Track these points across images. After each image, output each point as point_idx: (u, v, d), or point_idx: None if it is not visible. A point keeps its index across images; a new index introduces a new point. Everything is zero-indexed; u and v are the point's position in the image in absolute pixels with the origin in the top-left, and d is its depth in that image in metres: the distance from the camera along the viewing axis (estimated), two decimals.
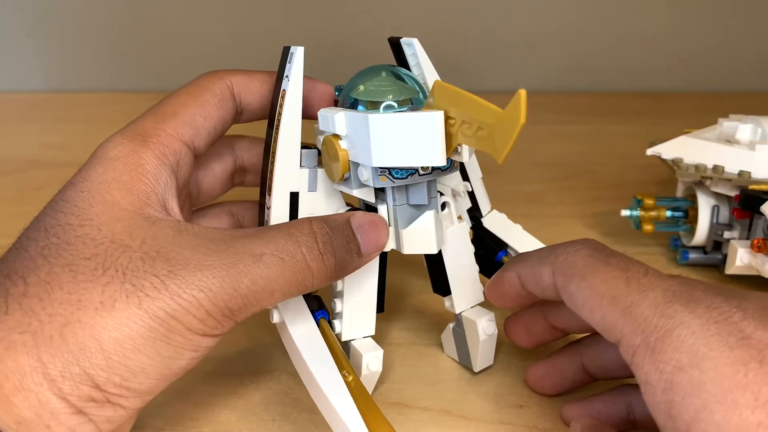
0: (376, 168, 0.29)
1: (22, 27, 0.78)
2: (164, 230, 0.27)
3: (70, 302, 0.24)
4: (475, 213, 0.37)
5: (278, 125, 0.31)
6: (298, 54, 0.31)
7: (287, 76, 0.31)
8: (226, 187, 0.37)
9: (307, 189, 0.32)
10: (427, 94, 0.31)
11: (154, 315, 0.25)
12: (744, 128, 0.44)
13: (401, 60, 0.33)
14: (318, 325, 0.31)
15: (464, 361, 0.36)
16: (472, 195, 0.37)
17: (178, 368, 0.26)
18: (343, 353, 0.30)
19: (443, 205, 0.33)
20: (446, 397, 0.34)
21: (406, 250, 0.31)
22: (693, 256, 0.45)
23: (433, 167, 0.30)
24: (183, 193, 0.32)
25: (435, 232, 0.31)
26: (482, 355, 0.35)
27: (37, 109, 0.75)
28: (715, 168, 0.42)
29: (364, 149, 0.28)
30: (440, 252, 0.33)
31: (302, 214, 0.32)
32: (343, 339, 0.32)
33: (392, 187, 0.30)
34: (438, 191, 0.32)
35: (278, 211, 0.32)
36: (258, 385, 0.35)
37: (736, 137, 0.44)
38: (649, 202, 0.45)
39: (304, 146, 0.32)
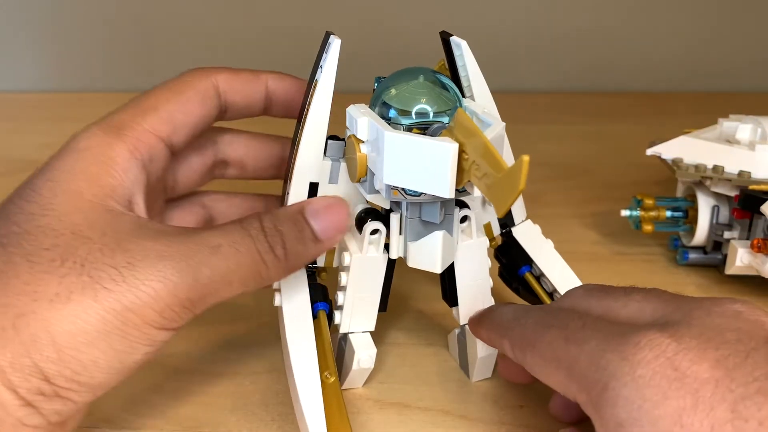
0: None
1: (21, 27, 0.78)
2: (125, 224, 0.27)
3: (26, 293, 0.24)
4: (506, 221, 0.36)
5: (307, 114, 0.30)
6: (334, 46, 0.30)
7: (321, 67, 0.30)
8: (205, 180, 0.36)
9: (328, 181, 0.32)
10: (465, 105, 0.30)
11: (110, 308, 0.24)
12: (744, 128, 0.44)
13: (450, 56, 0.33)
14: (316, 317, 0.31)
15: (464, 368, 0.36)
16: None
17: (133, 362, 0.26)
18: (331, 353, 0.30)
19: (464, 218, 0.32)
20: (446, 397, 0.34)
21: (411, 263, 0.31)
22: (693, 256, 0.45)
23: None
24: (156, 189, 0.32)
25: (441, 253, 0.30)
26: (479, 368, 0.35)
27: (36, 109, 0.75)
28: (715, 168, 0.42)
29: (379, 162, 0.28)
30: (452, 264, 0.33)
31: None
32: (341, 331, 0.32)
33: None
34: (462, 202, 0.32)
35: (296, 200, 0.31)
36: (258, 385, 0.35)
37: (736, 137, 0.44)
38: (649, 202, 0.45)
39: (333, 137, 0.31)
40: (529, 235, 0.36)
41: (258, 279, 0.28)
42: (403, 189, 0.28)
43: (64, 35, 0.79)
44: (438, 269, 0.31)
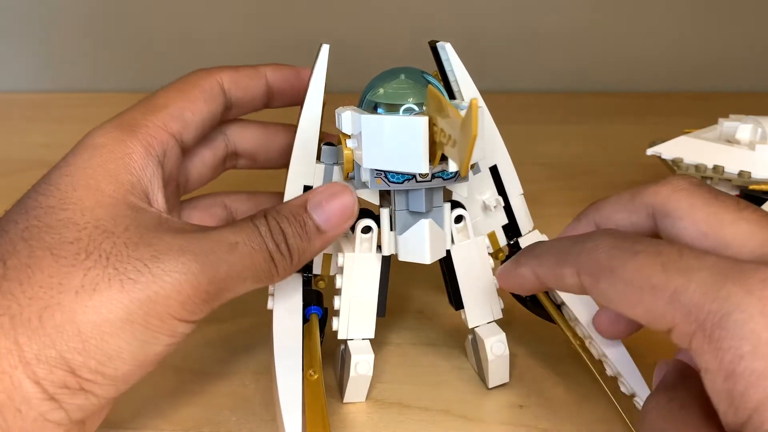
0: (373, 169, 0.29)
1: (22, 27, 0.78)
2: (146, 220, 0.27)
3: (51, 286, 0.25)
4: (512, 231, 0.35)
5: (299, 118, 0.31)
6: (323, 51, 0.31)
7: (312, 72, 0.31)
8: (218, 172, 0.37)
9: (322, 184, 0.32)
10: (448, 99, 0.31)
11: (134, 298, 0.25)
12: (744, 128, 0.44)
13: (439, 64, 0.33)
14: (308, 320, 0.31)
15: (481, 374, 0.35)
16: (510, 211, 0.35)
17: (155, 354, 0.26)
18: (318, 353, 0.30)
19: (459, 218, 0.32)
20: (446, 397, 0.34)
21: (401, 256, 0.31)
22: None
23: (433, 175, 0.29)
24: (170, 186, 0.32)
25: (429, 242, 0.30)
26: (494, 373, 0.33)
27: (37, 109, 0.75)
28: (715, 168, 0.42)
29: (361, 149, 0.29)
30: (452, 265, 0.33)
31: None
32: (339, 336, 0.32)
33: (394, 191, 0.30)
34: (456, 202, 0.32)
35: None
36: (258, 385, 0.35)
37: (736, 137, 0.44)
38: None
39: (329, 144, 0.32)
40: None
41: (269, 276, 0.28)
42: (386, 176, 0.29)
43: (65, 35, 0.79)
44: (427, 260, 0.31)
